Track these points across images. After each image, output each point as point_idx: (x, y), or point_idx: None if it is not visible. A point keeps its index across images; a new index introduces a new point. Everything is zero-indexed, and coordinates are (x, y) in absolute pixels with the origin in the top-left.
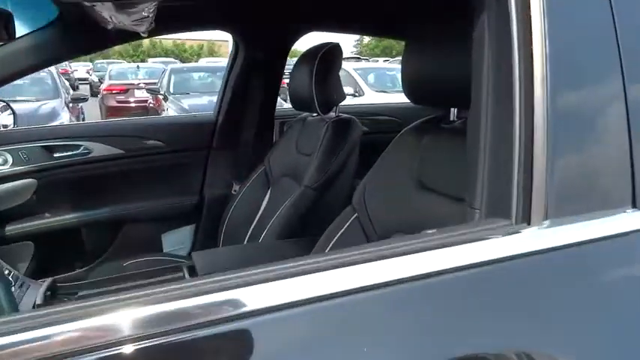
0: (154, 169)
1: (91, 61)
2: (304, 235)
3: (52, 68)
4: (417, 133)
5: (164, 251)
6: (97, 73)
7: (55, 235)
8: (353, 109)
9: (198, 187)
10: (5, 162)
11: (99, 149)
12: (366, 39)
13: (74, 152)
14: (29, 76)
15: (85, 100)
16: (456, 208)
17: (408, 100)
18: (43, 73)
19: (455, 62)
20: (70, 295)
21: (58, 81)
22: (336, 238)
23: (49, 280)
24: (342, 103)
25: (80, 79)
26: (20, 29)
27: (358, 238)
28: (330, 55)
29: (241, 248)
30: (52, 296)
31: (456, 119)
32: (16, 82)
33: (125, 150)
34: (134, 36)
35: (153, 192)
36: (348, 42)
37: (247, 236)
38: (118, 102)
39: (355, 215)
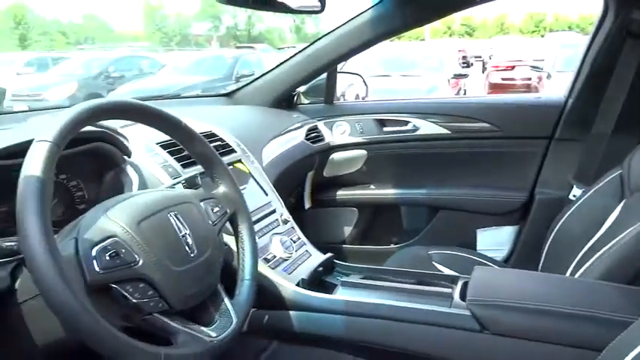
0: (480, 155)
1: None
2: None
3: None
4: None
5: (477, 249)
6: (491, 50)
7: (377, 207)
8: None
9: (529, 183)
10: (344, 132)
11: (426, 127)
12: None
13: (403, 128)
14: (419, 54)
15: (464, 76)
16: None
17: None
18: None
19: None
20: (342, 276)
21: (444, 58)
22: None
23: (328, 255)
24: None
25: (476, 57)
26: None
27: None
28: None
29: (539, 279)
30: (326, 272)
31: None
32: (410, 60)
33: (452, 130)
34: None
35: (476, 180)
36: None
37: (577, 258)
38: (503, 79)
39: None
